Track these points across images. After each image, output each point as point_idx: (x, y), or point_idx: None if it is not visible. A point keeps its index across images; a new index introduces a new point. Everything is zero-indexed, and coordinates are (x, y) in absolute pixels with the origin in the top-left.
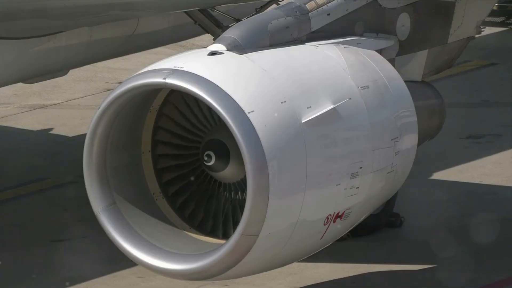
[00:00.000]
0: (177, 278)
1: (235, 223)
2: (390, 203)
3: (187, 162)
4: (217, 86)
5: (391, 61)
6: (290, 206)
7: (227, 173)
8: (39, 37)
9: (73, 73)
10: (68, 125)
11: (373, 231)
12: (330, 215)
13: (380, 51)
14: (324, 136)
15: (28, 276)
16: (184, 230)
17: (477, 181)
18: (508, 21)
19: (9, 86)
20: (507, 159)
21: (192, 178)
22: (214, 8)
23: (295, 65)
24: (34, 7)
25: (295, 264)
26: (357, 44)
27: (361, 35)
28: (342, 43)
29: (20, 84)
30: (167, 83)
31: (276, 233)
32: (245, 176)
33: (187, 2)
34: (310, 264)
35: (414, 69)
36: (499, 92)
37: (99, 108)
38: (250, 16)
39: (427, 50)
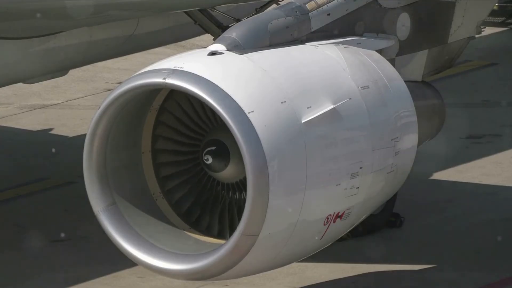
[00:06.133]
0: (177, 278)
1: (235, 223)
2: (390, 203)
3: (187, 161)
4: (217, 86)
5: (391, 61)
6: (290, 206)
7: (227, 173)
8: (39, 37)
9: (73, 73)
10: (68, 125)
11: (373, 231)
12: (330, 215)
13: (380, 51)
14: (324, 136)
15: (28, 276)
16: (184, 230)
17: (477, 181)
18: (508, 21)
19: (9, 86)
20: (507, 159)
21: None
22: (214, 8)
23: (295, 65)
24: (34, 7)
25: (295, 264)
26: (357, 44)
27: (361, 35)
28: (342, 43)
29: (20, 84)
30: (167, 83)
31: (276, 233)
32: (245, 176)
33: (187, 2)
34: (310, 264)
35: (414, 69)
36: (499, 92)
37: (99, 108)
38: (250, 16)
39: (427, 50)
